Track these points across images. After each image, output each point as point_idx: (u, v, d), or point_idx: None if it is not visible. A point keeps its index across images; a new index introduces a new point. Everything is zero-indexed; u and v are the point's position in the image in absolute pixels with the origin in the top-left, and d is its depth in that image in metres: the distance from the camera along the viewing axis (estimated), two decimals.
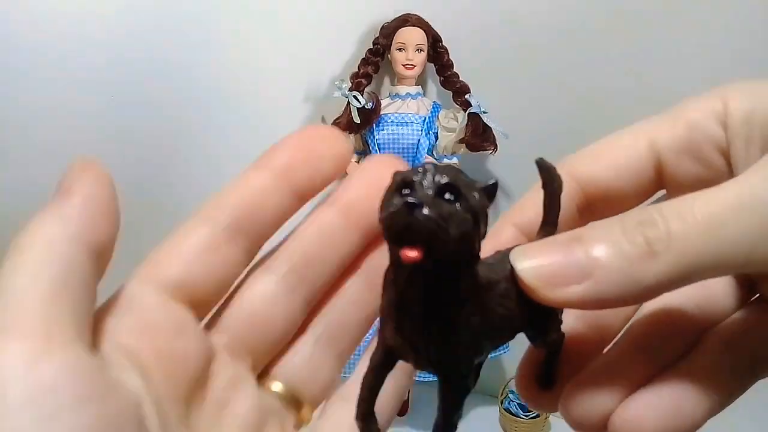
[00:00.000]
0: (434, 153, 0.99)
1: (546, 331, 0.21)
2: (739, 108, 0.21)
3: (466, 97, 0.96)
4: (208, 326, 0.21)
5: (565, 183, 0.21)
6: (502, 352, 1.03)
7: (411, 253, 0.16)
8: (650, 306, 0.23)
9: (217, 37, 0.94)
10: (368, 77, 0.96)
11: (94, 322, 0.18)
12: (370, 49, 0.97)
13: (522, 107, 0.97)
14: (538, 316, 0.20)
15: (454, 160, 0.99)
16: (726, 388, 0.21)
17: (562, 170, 0.22)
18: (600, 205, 0.23)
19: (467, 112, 0.96)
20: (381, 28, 0.98)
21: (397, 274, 0.18)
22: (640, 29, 0.89)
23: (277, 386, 0.22)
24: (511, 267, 0.19)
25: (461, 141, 0.98)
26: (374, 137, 0.98)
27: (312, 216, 0.22)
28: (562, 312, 0.22)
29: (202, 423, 0.19)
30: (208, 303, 0.21)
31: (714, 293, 0.23)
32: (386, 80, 1.04)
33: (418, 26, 0.95)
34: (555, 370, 0.23)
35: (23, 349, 0.15)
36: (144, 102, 0.91)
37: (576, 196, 0.23)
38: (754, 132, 0.20)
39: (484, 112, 0.95)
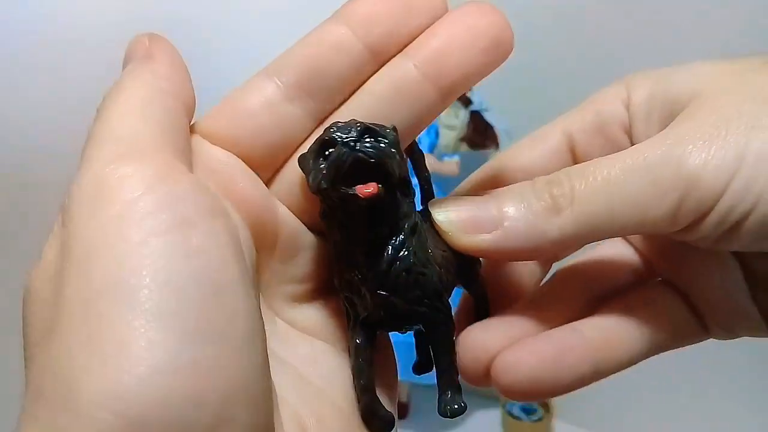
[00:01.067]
0: (435, 151, 0.98)
1: (471, 279, 0.23)
2: (640, 93, 0.23)
3: (467, 94, 0.95)
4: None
5: (496, 178, 0.24)
6: None
7: (367, 188, 0.17)
8: (558, 267, 0.26)
9: (215, 37, 0.93)
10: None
11: None
12: None
13: (524, 105, 0.96)
14: (463, 263, 0.22)
15: (455, 159, 0.98)
16: (615, 353, 0.22)
17: (494, 164, 0.25)
18: None
19: (468, 109, 0.95)
20: None
21: (355, 227, 0.18)
22: (644, 27, 0.88)
23: None
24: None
25: (462, 139, 0.97)
26: None
27: (319, 30, 0.21)
28: (480, 265, 0.23)
29: (273, 266, 0.21)
30: (265, 164, 0.20)
31: (616, 267, 0.25)
32: None
33: None
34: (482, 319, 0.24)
35: (151, 169, 0.16)
36: None
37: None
38: (653, 113, 0.22)
39: (486, 110, 0.94)
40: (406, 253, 0.18)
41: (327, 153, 0.17)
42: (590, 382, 0.22)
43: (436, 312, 0.19)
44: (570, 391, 0.22)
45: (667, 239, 0.22)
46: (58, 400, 0.14)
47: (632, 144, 0.23)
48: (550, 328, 0.23)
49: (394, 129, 0.19)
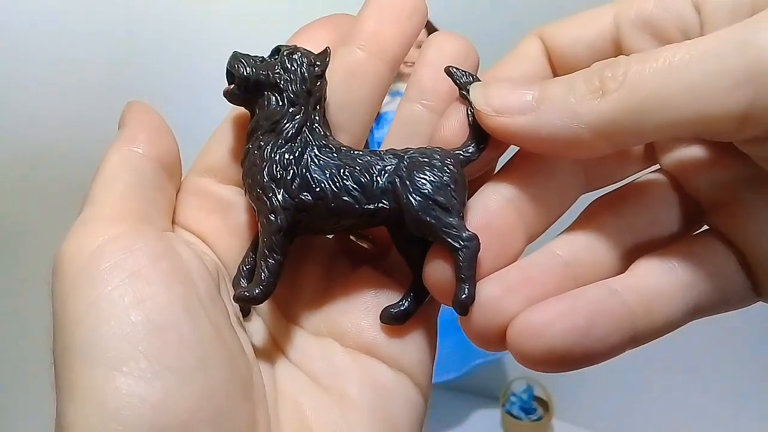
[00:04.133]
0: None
1: (424, 223, 0.20)
2: None
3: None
4: None
5: (538, 50, 0.22)
6: (504, 353, 1.01)
7: (225, 88, 0.22)
8: (585, 216, 0.21)
9: (214, 33, 0.93)
10: None
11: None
12: None
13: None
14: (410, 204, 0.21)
15: None
16: (653, 316, 0.19)
17: (535, 34, 0.22)
18: (563, 70, 0.22)
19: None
20: None
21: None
22: None
23: None
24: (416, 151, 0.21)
25: None
26: (374, 136, 0.96)
27: (335, 61, 0.22)
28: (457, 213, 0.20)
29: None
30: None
31: (658, 217, 0.21)
32: None
33: None
34: (468, 287, 0.20)
35: (104, 230, 0.19)
36: (140, 97, 0.90)
37: (546, 59, 0.22)
38: (740, 9, 0.18)
39: None
40: (252, 145, 0.21)
41: None
42: (623, 352, 0.19)
43: (259, 201, 0.21)
44: (600, 362, 0.18)
45: (727, 176, 0.19)
46: (58, 424, 0.17)
47: None
48: (579, 284, 0.19)
49: (324, 53, 0.21)
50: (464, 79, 0.21)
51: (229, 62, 0.21)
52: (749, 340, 0.93)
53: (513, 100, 0.18)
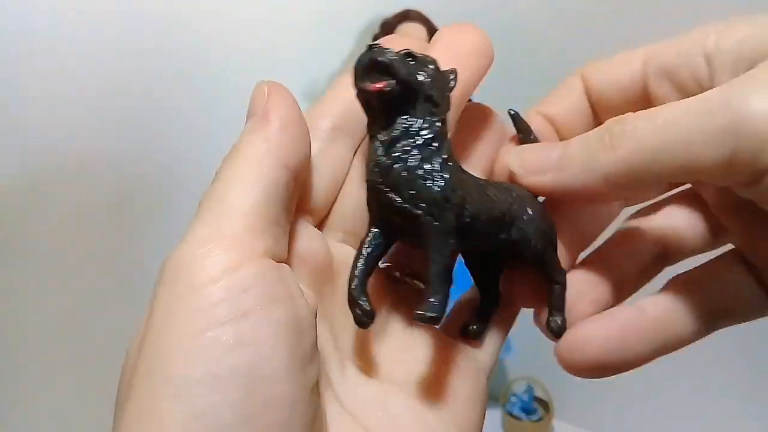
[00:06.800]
0: None
1: (539, 252, 0.23)
2: (726, 43, 0.21)
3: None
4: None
5: (579, 88, 0.25)
6: (505, 353, 1.01)
7: (379, 84, 0.18)
8: (614, 235, 0.25)
9: (215, 34, 0.93)
10: None
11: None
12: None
13: (523, 102, 0.95)
14: (527, 231, 0.22)
15: None
16: (677, 330, 0.22)
17: (578, 74, 0.25)
18: (599, 106, 0.25)
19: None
20: (381, 24, 0.96)
21: (368, 116, 0.20)
22: (644, 24, 0.87)
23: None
24: (506, 184, 0.22)
25: None
26: None
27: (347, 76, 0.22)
28: (555, 249, 0.23)
29: (338, 310, 0.21)
30: (322, 207, 0.22)
31: (680, 229, 0.24)
32: None
33: (418, 22, 0.94)
34: (560, 315, 0.24)
35: (225, 257, 0.17)
36: (142, 96, 0.90)
37: (585, 95, 0.25)
38: (740, 65, 0.20)
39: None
40: (412, 155, 0.19)
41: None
42: (652, 360, 0.22)
43: (430, 217, 0.20)
44: (633, 368, 0.22)
45: (743, 203, 0.21)
46: None
47: None
48: (611, 296, 0.23)
49: (453, 71, 0.21)
50: (520, 124, 0.24)
51: (385, 57, 0.19)
52: (750, 341, 0.93)
53: (541, 160, 0.22)
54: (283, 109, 0.20)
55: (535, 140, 0.24)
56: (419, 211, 0.19)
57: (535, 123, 0.25)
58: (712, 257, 0.24)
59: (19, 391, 0.79)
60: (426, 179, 0.19)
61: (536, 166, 0.22)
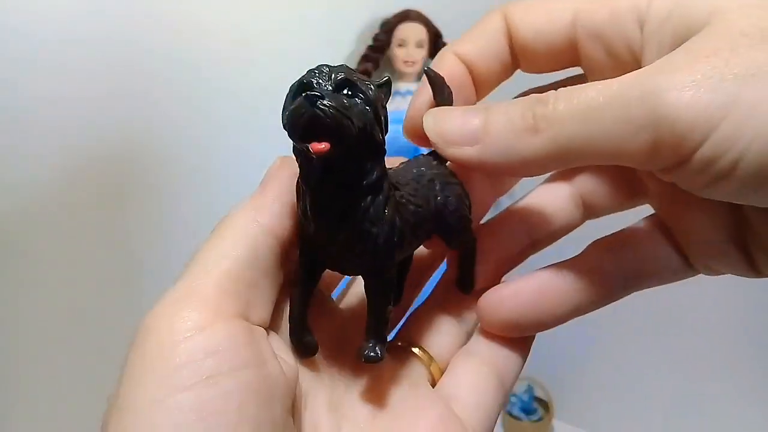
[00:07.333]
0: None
1: (459, 232, 0.23)
2: (660, 9, 0.20)
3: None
4: None
5: (500, 29, 0.24)
6: None
7: (319, 146, 0.17)
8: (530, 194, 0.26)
9: (215, 34, 0.92)
10: (368, 74, 0.95)
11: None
12: (370, 45, 0.96)
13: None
14: (451, 220, 0.23)
15: None
16: (592, 293, 0.22)
17: (500, 12, 0.24)
18: (523, 56, 0.24)
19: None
20: (381, 24, 0.96)
21: (308, 176, 0.18)
22: None
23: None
24: (419, 168, 0.23)
25: None
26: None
27: None
28: (471, 221, 0.24)
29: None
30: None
31: (596, 190, 0.25)
32: None
33: (418, 22, 0.94)
34: (472, 273, 0.25)
35: (194, 317, 0.17)
36: (141, 98, 0.90)
37: (506, 39, 0.24)
38: (666, 37, 0.20)
39: None
40: (359, 211, 0.19)
41: (303, 94, 0.17)
42: (567, 321, 0.23)
43: (376, 266, 0.20)
44: (548, 329, 0.23)
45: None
46: None
47: (639, 67, 0.20)
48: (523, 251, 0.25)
49: (387, 83, 0.19)
50: (435, 79, 0.23)
51: (332, 117, 0.17)
52: (750, 341, 0.93)
53: (460, 130, 0.21)
54: (280, 180, 0.20)
55: (450, 97, 0.23)
56: (366, 262, 0.20)
57: (449, 65, 0.24)
58: (635, 223, 0.24)
59: (19, 391, 0.79)
60: (370, 232, 0.19)
61: (455, 137, 0.21)
